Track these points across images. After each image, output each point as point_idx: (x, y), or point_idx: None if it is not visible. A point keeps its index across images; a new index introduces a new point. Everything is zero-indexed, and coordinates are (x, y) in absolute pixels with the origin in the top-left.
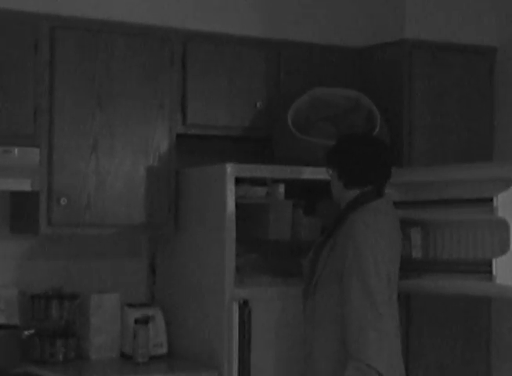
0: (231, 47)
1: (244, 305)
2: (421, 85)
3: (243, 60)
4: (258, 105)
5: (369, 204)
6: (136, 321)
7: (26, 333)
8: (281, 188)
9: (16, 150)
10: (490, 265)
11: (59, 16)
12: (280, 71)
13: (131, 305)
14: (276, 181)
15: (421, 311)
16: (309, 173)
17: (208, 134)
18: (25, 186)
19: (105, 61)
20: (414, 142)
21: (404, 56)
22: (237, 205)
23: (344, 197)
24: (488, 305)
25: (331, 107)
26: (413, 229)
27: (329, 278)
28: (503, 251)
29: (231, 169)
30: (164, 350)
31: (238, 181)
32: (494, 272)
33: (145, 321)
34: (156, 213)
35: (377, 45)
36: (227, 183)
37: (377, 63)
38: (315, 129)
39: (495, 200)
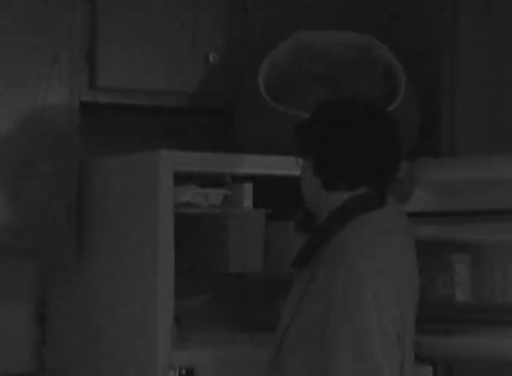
0: None
1: None
2: (473, 29)
3: None
4: (212, 58)
5: (364, 217)
6: None
7: None
8: (248, 190)
9: None
10: None
11: None
12: (247, 5)
13: None
14: (240, 179)
15: None
16: (292, 166)
17: (131, 103)
18: None
19: None
20: (459, 119)
21: None
22: (178, 218)
23: (323, 203)
24: None
25: (326, 62)
26: (457, 257)
27: (303, 335)
28: None
29: (167, 159)
30: None
31: (179, 179)
32: None
33: None
34: (48, 230)
35: None
36: (161, 182)
37: None
38: (301, 96)
39: None
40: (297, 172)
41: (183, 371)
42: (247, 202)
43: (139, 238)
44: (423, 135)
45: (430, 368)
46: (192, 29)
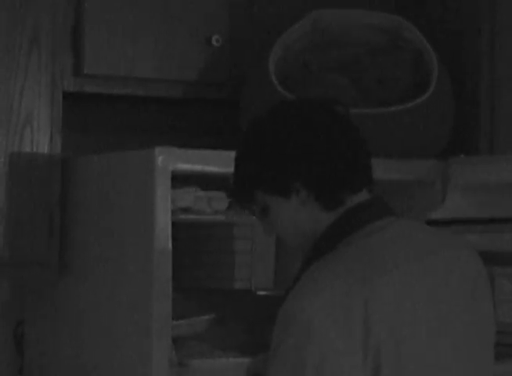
0: None
1: None
2: None
3: None
4: (215, 42)
5: (360, 233)
6: None
7: None
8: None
9: None
10: None
11: None
12: None
13: None
14: None
15: None
16: None
17: (122, 94)
18: None
19: None
20: (500, 112)
21: None
22: (176, 226)
23: (312, 231)
24: None
25: (347, 47)
26: (498, 271)
27: None
28: None
29: (164, 158)
30: None
31: (177, 181)
32: None
33: None
34: (26, 240)
35: None
36: (157, 184)
37: None
38: (318, 85)
39: None
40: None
41: None
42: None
43: (132, 249)
44: (458, 130)
45: None
46: (192, 7)
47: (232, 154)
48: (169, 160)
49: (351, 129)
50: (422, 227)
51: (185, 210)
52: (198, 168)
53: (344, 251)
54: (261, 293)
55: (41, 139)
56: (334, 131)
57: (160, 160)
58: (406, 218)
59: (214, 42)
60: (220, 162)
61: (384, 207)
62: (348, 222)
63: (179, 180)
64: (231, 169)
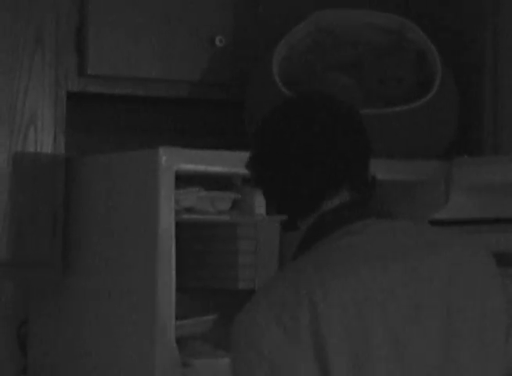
0: None
1: None
2: None
3: None
4: (218, 42)
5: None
6: None
7: None
8: (260, 194)
9: None
10: None
11: None
12: None
13: None
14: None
15: None
16: None
17: (126, 94)
18: None
19: None
20: (504, 111)
21: None
22: (180, 226)
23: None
24: None
25: (351, 46)
26: (504, 272)
27: None
28: None
29: (168, 158)
30: None
31: (180, 181)
32: None
33: None
34: (29, 242)
35: None
36: (160, 184)
37: None
38: (322, 85)
39: None
40: None
41: None
42: (260, 208)
43: (135, 249)
44: (462, 130)
45: None
46: (196, 8)
47: (236, 155)
48: (173, 160)
49: (335, 131)
50: (413, 227)
51: (189, 210)
52: (202, 168)
53: (304, 258)
54: None
55: (45, 138)
56: (304, 141)
57: (163, 160)
58: (391, 220)
59: (217, 42)
60: (223, 162)
61: (363, 210)
62: (317, 228)
63: (183, 180)
64: (234, 169)
